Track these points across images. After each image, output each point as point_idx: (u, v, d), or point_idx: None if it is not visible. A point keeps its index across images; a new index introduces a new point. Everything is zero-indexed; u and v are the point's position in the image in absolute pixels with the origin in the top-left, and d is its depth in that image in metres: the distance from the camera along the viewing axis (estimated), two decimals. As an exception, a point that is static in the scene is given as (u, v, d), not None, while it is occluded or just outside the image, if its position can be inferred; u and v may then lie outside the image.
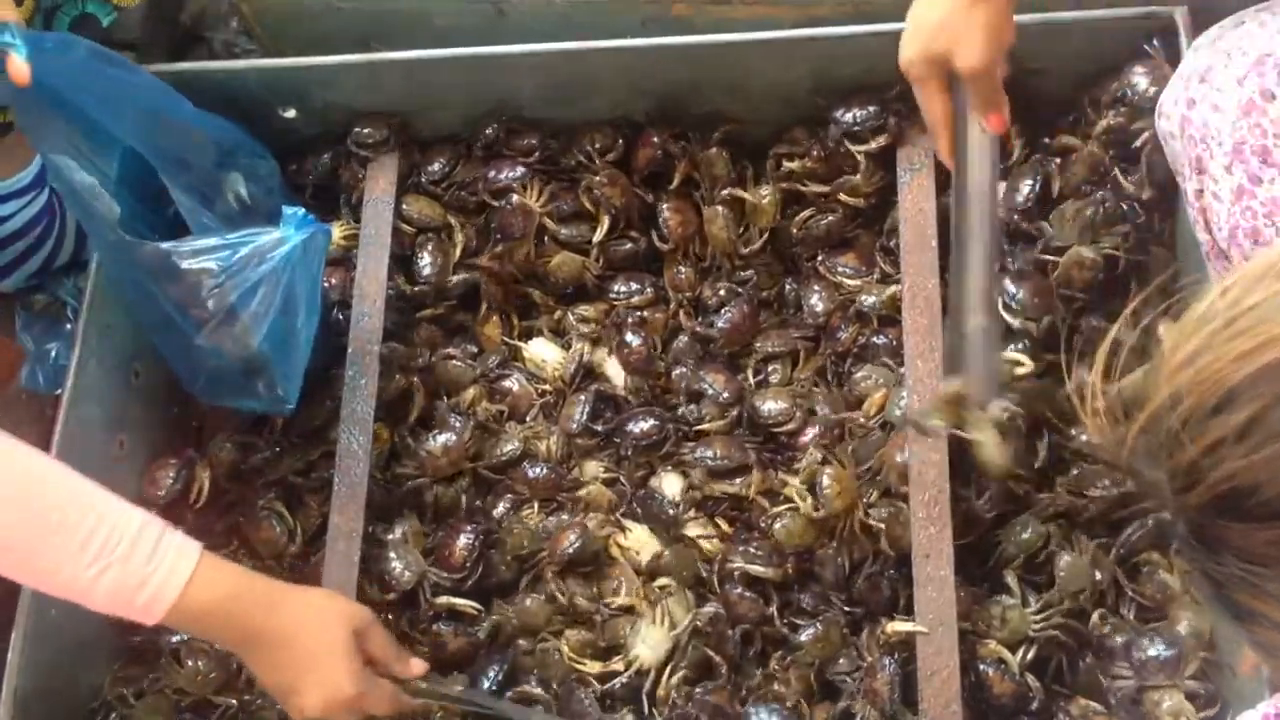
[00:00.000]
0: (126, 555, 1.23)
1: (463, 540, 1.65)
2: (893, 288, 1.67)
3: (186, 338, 1.59)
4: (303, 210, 1.54)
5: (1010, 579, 1.57)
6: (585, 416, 1.71)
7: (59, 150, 1.54)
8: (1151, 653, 1.49)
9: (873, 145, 1.69)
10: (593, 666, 1.59)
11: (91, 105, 1.52)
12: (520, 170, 1.81)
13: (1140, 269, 1.64)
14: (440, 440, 1.70)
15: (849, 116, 1.70)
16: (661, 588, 1.61)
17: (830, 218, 1.74)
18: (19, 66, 1.37)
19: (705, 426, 1.68)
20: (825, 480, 1.56)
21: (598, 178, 1.78)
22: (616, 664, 1.58)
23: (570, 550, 1.61)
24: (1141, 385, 0.82)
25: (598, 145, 1.80)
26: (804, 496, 1.57)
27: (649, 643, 1.57)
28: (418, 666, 1.46)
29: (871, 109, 1.69)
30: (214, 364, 1.63)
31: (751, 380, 1.71)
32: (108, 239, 1.58)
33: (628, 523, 1.66)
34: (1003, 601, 1.55)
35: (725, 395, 1.68)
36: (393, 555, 1.64)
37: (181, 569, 1.26)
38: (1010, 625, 1.53)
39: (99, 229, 1.59)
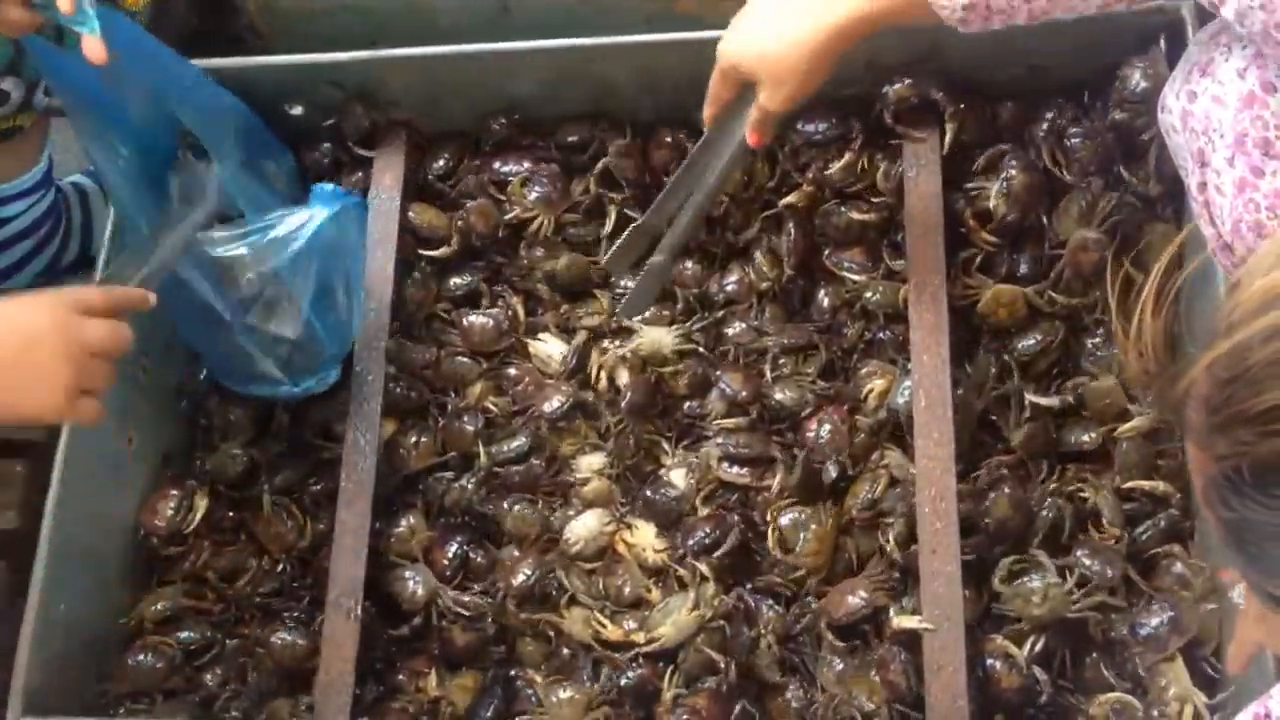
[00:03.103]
0: None
1: (452, 549, 1.67)
2: (898, 283, 1.67)
3: (227, 327, 1.59)
4: (331, 185, 1.57)
5: (1043, 557, 1.55)
6: (565, 406, 1.71)
7: (98, 140, 1.52)
8: (1155, 621, 1.49)
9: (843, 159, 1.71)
10: (613, 632, 1.59)
11: (144, 87, 1.52)
12: (527, 164, 1.82)
13: (1141, 256, 1.64)
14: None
15: (810, 127, 1.72)
16: (698, 573, 1.61)
17: (855, 214, 1.72)
18: (94, 46, 1.29)
19: (725, 423, 1.68)
20: (808, 534, 1.58)
21: (613, 147, 1.78)
22: (636, 635, 1.59)
23: (528, 584, 1.62)
24: (1210, 320, 0.80)
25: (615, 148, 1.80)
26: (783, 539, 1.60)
27: (678, 624, 1.57)
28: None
29: (833, 120, 1.71)
30: (252, 351, 1.63)
31: (769, 375, 1.71)
32: (141, 232, 1.58)
33: (635, 520, 1.66)
34: (1045, 578, 1.53)
35: (743, 394, 1.68)
36: (407, 574, 1.65)
37: None
38: (1051, 602, 1.52)
39: (132, 222, 1.59)
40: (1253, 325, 0.76)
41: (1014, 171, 1.65)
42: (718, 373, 1.70)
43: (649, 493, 1.66)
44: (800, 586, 1.61)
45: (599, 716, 1.57)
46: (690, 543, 1.61)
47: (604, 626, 1.59)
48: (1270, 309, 0.76)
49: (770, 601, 1.60)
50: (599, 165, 1.80)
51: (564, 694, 1.57)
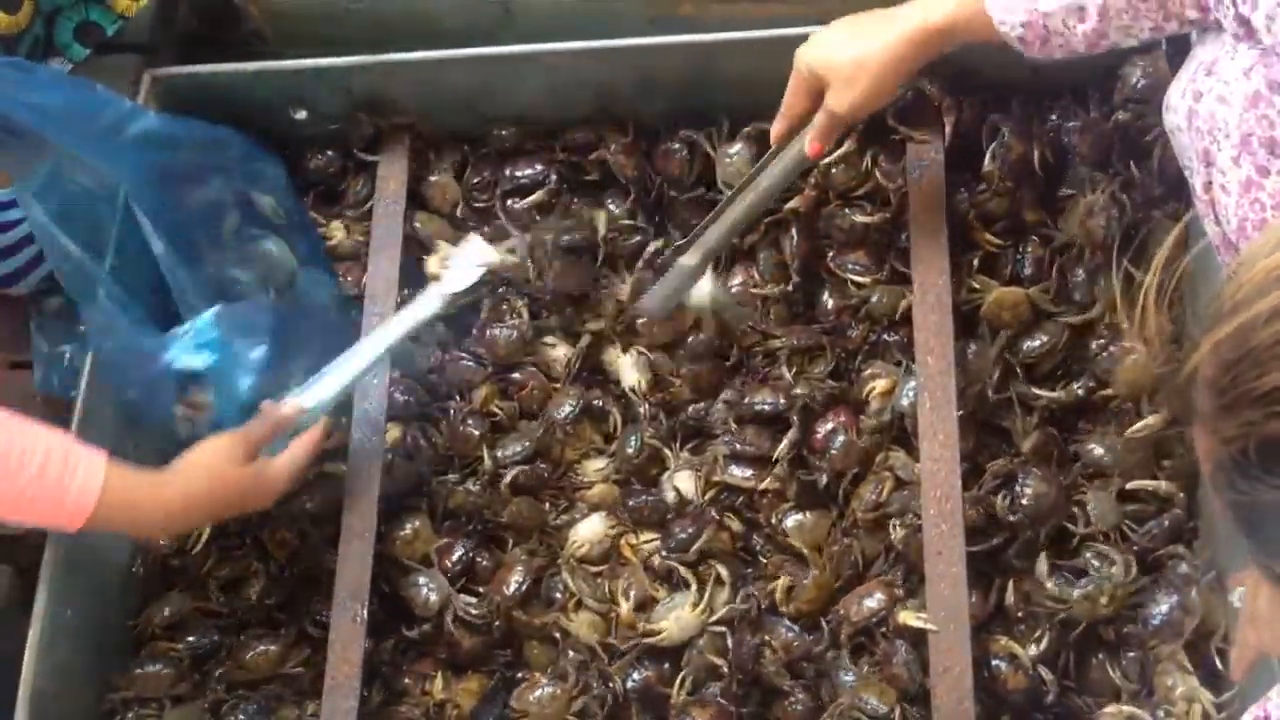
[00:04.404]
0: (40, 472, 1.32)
1: (456, 554, 1.67)
2: (901, 288, 1.67)
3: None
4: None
5: (1090, 554, 1.56)
6: (575, 410, 1.72)
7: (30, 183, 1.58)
8: (1163, 608, 1.50)
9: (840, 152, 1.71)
10: (627, 615, 1.60)
11: (52, 131, 1.55)
12: (538, 168, 1.82)
13: (1146, 250, 1.64)
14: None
15: None
16: (713, 573, 1.61)
17: (859, 216, 1.71)
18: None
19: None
20: (807, 582, 1.58)
21: (613, 147, 1.78)
22: (639, 623, 1.59)
23: (519, 593, 1.62)
24: (1213, 303, 0.80)
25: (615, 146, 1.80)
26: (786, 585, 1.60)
27: (681, 622, 1.58)
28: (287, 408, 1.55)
29: None
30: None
31: (789, 375, 1.70)
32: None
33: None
34: (1112, 575, 1.53)
35: (782, 403, 1.66)
36: (421, 580, 1.65)
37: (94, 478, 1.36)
38: (1117, 602, 1.52)
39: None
40: (1256, 306, 0.76)
41: (1008, 137, 1.65)
42: (746, 399, 1.68)
43: (631, 502, 1.66)
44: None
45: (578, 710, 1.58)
46: (671, 541, 1.61)
47: (617, 606, 1.60)
48: (1272, 289, 0.76)
49: (788, 623, 1.59)
50: (594, 157, 1.80)
51: (544, 691, 1.57)
